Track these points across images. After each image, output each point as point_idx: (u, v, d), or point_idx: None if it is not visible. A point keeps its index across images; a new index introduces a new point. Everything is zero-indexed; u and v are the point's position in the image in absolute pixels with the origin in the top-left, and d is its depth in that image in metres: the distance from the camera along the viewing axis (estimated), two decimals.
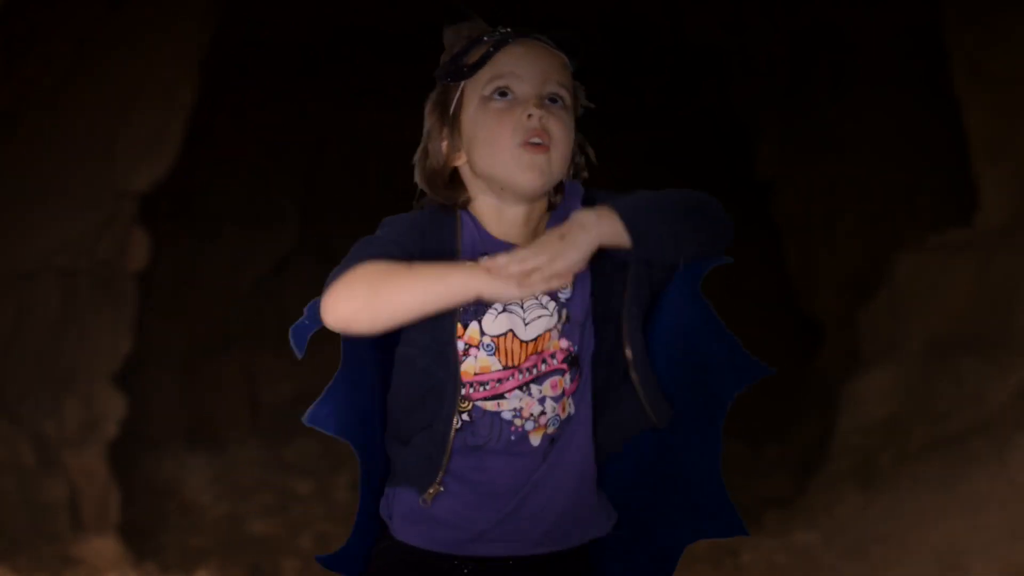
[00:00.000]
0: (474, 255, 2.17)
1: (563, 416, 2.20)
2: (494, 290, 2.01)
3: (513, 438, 2.18)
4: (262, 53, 10.41)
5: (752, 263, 12.14)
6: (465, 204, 2.23)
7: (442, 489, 2.18)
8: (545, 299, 2.18)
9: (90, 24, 7.44)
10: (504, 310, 2.17)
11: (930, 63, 9.01)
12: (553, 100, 2.18)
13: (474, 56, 2.18)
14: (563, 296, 2.19)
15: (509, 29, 2.20)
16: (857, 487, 7.55)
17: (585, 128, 2.28)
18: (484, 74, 2.18)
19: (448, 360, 2.16)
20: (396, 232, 2.19)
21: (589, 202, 2.21)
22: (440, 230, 2.20)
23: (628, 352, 2.18)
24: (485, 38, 2.20)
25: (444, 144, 2.22)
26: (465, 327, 2.17)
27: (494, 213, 2.21)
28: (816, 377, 10.47)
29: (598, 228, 2.06)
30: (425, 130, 2.25)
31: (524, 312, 2.18)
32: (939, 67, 8.63)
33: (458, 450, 2.17)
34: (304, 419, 2.21)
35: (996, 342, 7.79)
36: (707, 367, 2.21)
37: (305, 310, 2.22)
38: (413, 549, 2.21)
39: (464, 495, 2.19)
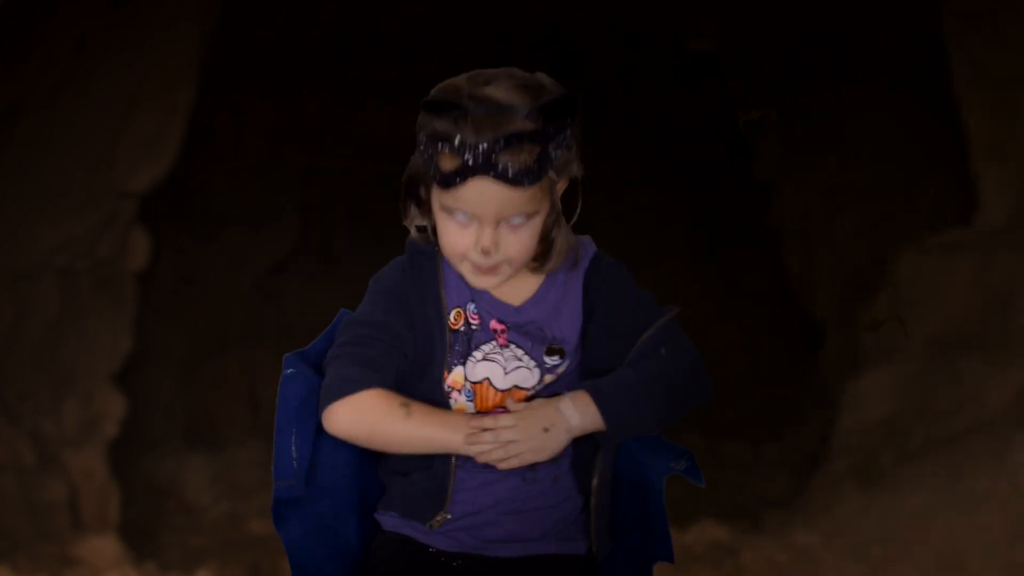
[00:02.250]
0: (462, 300, 2.20)
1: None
2: (477, 454, 2.13)
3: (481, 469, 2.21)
4: (262, 53, 10.41)
5: (752, 263, 12.15)
6: None
7: (448, 516, 2.21)
8: (527, 359, 2.21)
9: (90, 24, 7.44)
10: (484, 358, 2.20)
11: (930, 63, 9.01)
12: (516, 220, 2.16)
13: (443, 164, 2.14)
14: (550, 362, 2.21)
15: (479, 159, 2.12)
16: (857, 487, 7.55)
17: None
18: (451, 198, 2.15)
19: (438, 402, 2.19)
20: (383, 308, 2.22)
21: (595, 264, 2.25)
22: (424, 284, 2.22)
23: (594, 480, 2.21)
24: (454, 150, 2.12)
25: (424, 193, 2.23)
26: (450, 371, 2.20)
27: None
28: (816, 377, 10.47)
29: (581, 425, 2.14)
30: (406, 176, 2.25)
31: (504, 361, 2.20)
32: (939, 67, 8.63)
33: (460, 476, 2.21)
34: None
35: (996, 342, 7.79)
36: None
37: (290, 372, 2.33)
38: (407, 540, 2.23)
39: (464, 503, 2.21)
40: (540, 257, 2.22)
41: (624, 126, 11.54)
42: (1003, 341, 7.74)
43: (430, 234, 2.24)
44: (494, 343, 2.20)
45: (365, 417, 2.16)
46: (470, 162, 2.11)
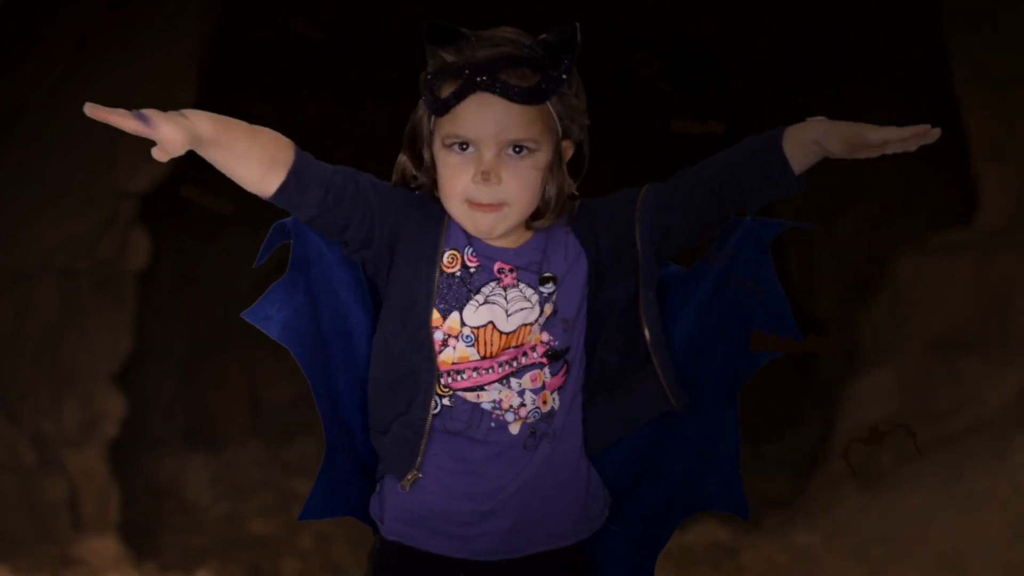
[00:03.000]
0: (459, 244, 2.19)
1: (544, 410, 2.20)
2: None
3: (493, 425, 2.19)
4: (262, 53, 10.41)
5: None
6: None
7: (420, 475, 2.18)
8: (529, 291, 2.19)
9: (90, 24, 7.44)
10: (486, 301, 2.18)
11: (930, 63, 9.01)
12: (517, 150, 2.16)
13: (445, 90, 2.17)
14: (545, 291, 2.20)
15: (481, 75, 2.15)
16: (857, 487, 7.55)
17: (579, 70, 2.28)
18: (446, 119, 2.17)
19: (422, 345, 2.17)
20: (397, 191, 2.25)
21: (581, 217, 2.23)
22: (427, 221, 2.21)
23: (647, 334, 2.20)
24: (455, 71, 2.17)
25: (427, 152, 2.24)
26: (445, 317, 2.17)
27: None
28: (816, 377, 10.47)
29: None
30: (409, 128, 2.26)
31: (507, 303, 2.18)
32: (939, 67, 8.63)
33: (437, 435, 2.18)
34: (245, 314, 2.27)
35: (996, 342, 7.79)
36: (729, 347, 2.30)
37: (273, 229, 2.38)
38: (408, 549, 2.21)
39: (445, 481, 2.19)
40: (538, 213, 2.20)
41: (624, 126, 11.54)
42: (1003, 341, 7.74)
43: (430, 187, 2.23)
44: (494, 284, 2.18)
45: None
46: (472, 78, 2.14)
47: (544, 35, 2.19)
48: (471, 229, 2.18)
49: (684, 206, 2.21)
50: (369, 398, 2.25)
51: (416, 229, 2.20)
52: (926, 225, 9.14)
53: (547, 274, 2.19)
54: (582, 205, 2.26)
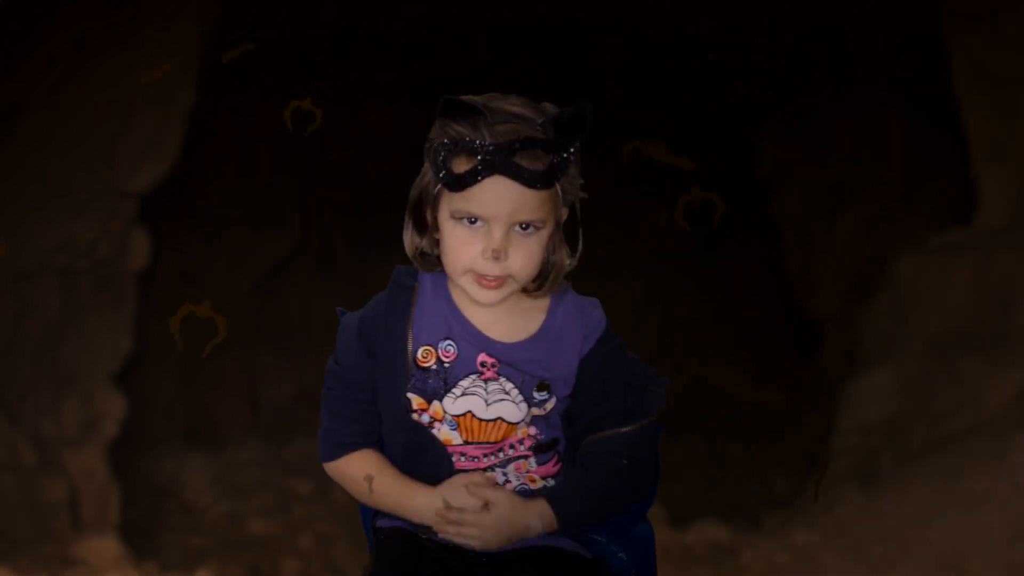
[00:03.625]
0: (435, 338, 2.24)
1: (534, 487, 2.27)
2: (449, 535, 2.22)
3: None
4: (262, 53, 10.40)
5: (752, 263, 12.14)
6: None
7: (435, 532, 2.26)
8: (510, 387, 2.24)
9: (90, 24, 7.44)
10: (464, 393, 2.23)
11: (930, 63, 9.01)
12: (524, 227, 2.19)
13: (458, 166, 2.19)
14: (539, 397, 2.24)
15: (497, 154, 2.17)
16: (857, 487, 7.55)
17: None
18: (462, 202, 2.20)
19: (415, 426, 2.25)
20: (350, 349, 2.29)
21: (608, 339, 2.28)
22: (394, 321, 2.26)
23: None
24: (470, 150, 2.18)
25: (430, 216, 2.26)
26: (428, 402, 2.24)
27: (467, 297, 2.26)
28: (816, 377, 10.47)
29: (539, 531, 2.23)
30: (411, 201, 2.28)
31: (487, 394, 2.24)
32: (939, 67, 8.63)
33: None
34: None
35: (996, 342, 7.79)
36: None
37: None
38: (409, 534, 2.27)
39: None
40: (539, 278, 2.25)
41: (624, 126, 11.53)
42: (1003, 341, 7.75)
43: (433, 257, 2.27)
44: (474, 377, 2.23)
45: (345, 483, 2.31)
46: (489, 160, 2.16)
47: (556, 113, 2.21)
48: (474, 297, 2.23)
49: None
50: (388, 450, 2.33)
51: (384, 333, 2.27)
52: (926, 225, 9.14)
53: (545, 381, 2.25)
54: (608, 338, 2.30)
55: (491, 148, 2.17)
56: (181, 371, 10.56)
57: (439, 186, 2.22)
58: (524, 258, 2.20)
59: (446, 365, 2.23)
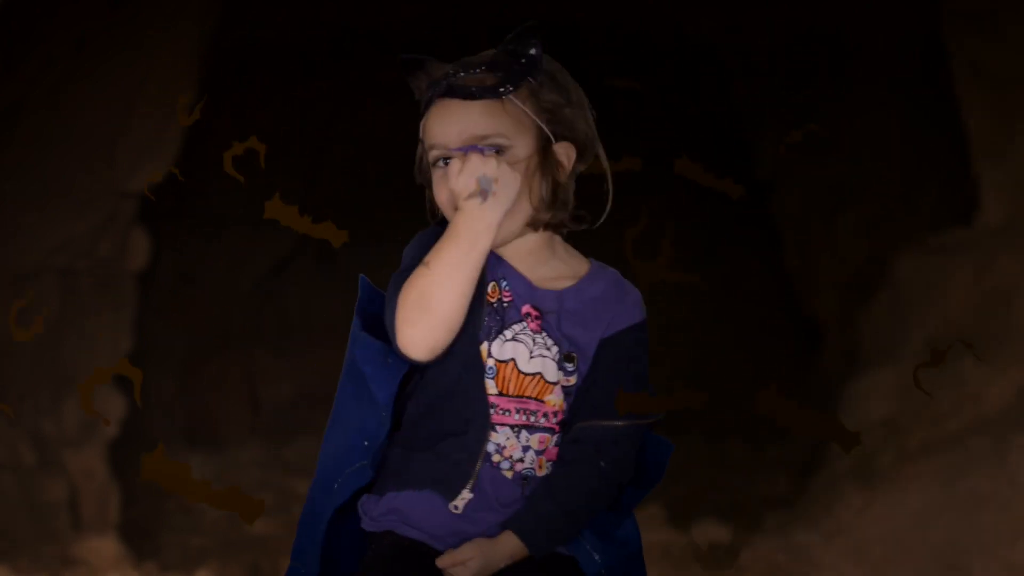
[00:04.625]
0: (494, 276, 2.20)
1: (539, 473, 2.22)
2: (506, 206, 2.14)
3: (489, 468, 2.21)
4: (262, 53, 10.41)
5: (752, 263, 12.14)
6: None
7: (471, 496, 2.19)
8: (551, 343, 2.20)
9: (90, 24, 7.44)
10: (514, 338, 2.19)
11: (930, 63, 9.01)
12: (492, 150, 2.16)
13: (421, 107, 2.23)
14: (566, 367, 2.21)
15: (442, 80, 2.18)
16: (857, 487, 7.55)
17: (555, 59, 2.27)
18: (425, 139, 2.21)
19: (474, 366, 2.18)
20: (419, 255, 2.21)
21: (640, 328, 2.27)
22: None
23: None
24: (423, 90, 2.22)
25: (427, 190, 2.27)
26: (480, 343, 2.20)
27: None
28: (816, 377, 10.47)
29: (511, 559, 2.18)
30: (416, 166, 2.28)
31: (533, 345, 2.19)
32: (939, 67, 8.63)
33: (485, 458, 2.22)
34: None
35: (996, 342, 7.78)
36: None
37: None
38: (399, 538, 2.22)
39: (437, 507, 2.22)
40: (541, 210, 2.20)
41: (624, 126, 11.53)
42: (1003, 341, 7.74)
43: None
44: (523, 324, 2.19)
45: (416, 300, 2.13)
46: (434, 88, 2.18)
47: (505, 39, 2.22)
48: None
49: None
50: (407, 417, 2.25)
51: None
52: (926, 225, 9.14)
53: (571, 352, 2.21)
54: (638, 327, 2.28)
55: (436, 79, 2.18)
56: (181, 371, 10.56)
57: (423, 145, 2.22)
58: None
59: (505, 304, 2.19)
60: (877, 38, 9.64)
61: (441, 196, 2.18)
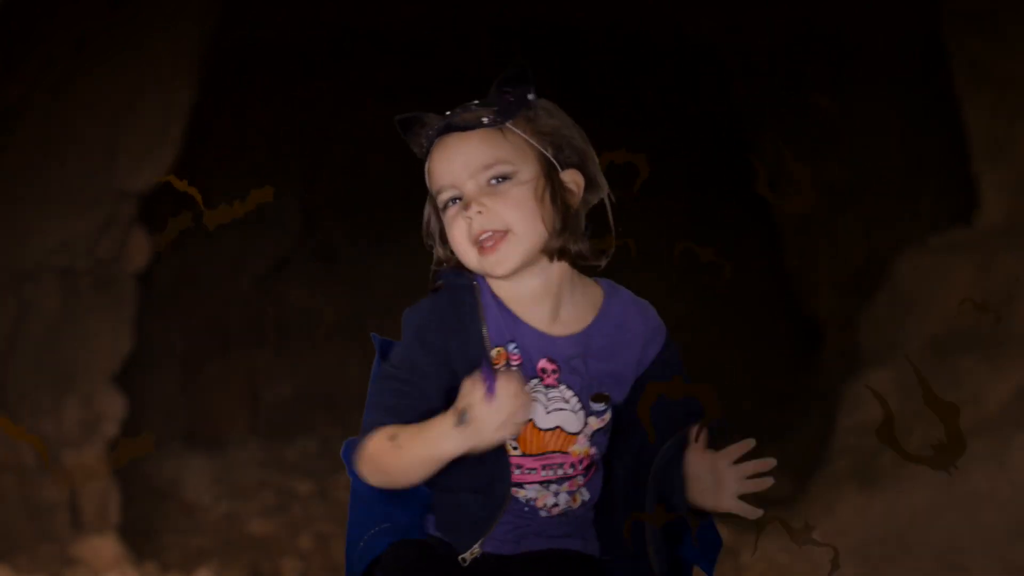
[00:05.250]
0: (502, 340, 2.18)
1: (575, 505, 2.23)
2: (477, 443, 2.07)
3: (526, 510, 2.22)
4: (262, 53, 10.41)
5: (752, 263, 12.14)
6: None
7: (480, 552, 2.20)
8: (569, 395, 2.19)
9: (90, 24, 7.44)
10: None
11: (930, 63, 9.01)
12: (498, 180, 2.16)
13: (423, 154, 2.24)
14: (596, 407, 2.21)
15: (439, 122, 2.20)
16: (857, 487, 7.55)
17: (584, 128, 2.27)
18: (432, 186, 2.22)
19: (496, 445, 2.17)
20: (416, 346, 2.18)
21: (669, 346, 2.28)
22: (462, 319, 2.19)
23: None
24: (422, 140, 2.23)
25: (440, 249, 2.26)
26: None
27: (508, 290, 2.21)
28: (816, 377, 10.47)
29: None
30: (424, 226, 2.28)
31: (547, 401, 2.19)
32: (939, 67, 8.63)
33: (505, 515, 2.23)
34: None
35: (996, 342, 7.79)
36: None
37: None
38: (421, 541, 2.24)
39: (497, 547, 2.23)
40: (555, 235, 2.19)
41: (624, 126, 11.53)
42: (1003, 341, 7.74)
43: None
44: (536, 381, 2.18)
45: (370, 466, 2.15)
46: (433, 132, 2.19)
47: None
48: (492, 273, 2.18)
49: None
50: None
51: (457, 336, 2.18)
52: (926, 225, 9.14)
53: (602, 392, 2.21)
54: (665, 338, 2.29)
55: (434, 125, 2.20)
56: (181, 371, 10.56)
57: (431, 192, 2.23)
58: (510, 204, 2.15)
59: (513, 367, 2.17)
60: (877, 38, 9.64)
61: (456, 235, 2.18)
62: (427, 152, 2.20)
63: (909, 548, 6.63)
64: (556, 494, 2.21)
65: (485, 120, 2.17)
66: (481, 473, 2.17)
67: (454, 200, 2.18)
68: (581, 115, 2.30)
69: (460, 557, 2.19)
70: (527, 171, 2.18)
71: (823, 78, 10.26)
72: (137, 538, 7.84)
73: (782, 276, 11.22)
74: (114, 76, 7.60)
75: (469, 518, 2.19)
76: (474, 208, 2.15)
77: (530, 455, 2.19)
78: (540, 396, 2.18)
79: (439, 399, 2.14)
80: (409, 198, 2.35)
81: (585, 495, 2.24)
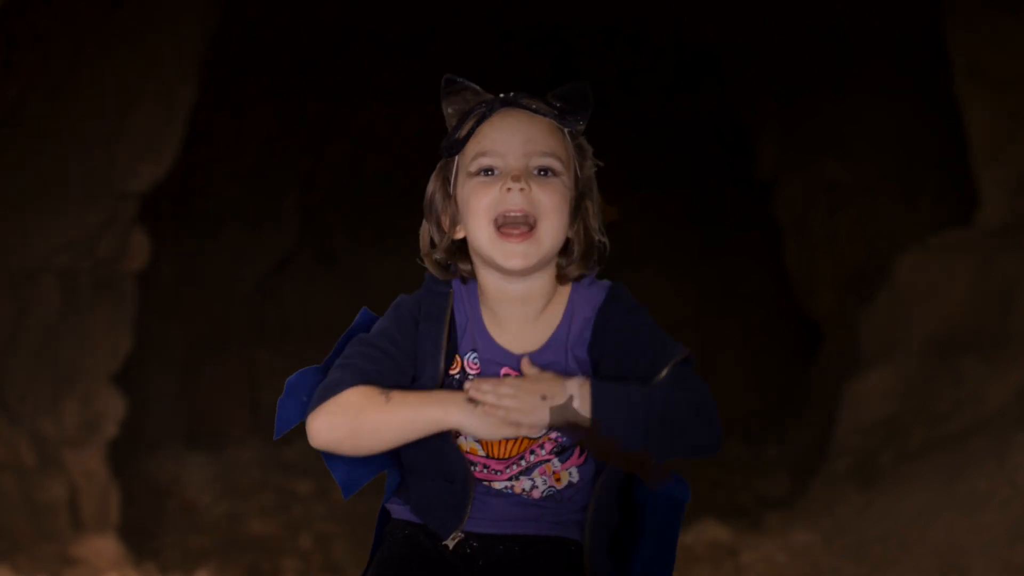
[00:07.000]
0: (465, 348, 2.21)
1: (559, 486, 2.24)
2: (469, 425, 2.10)
3: (509, 494, 2.24)
4: (262, 53, 10.41)
5: (752, 263, 12.14)
6: (468, 276, 2.24)
7: (462, 535, 2.22)
8: None
9: (90, 24, 7.44)
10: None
11: (930, 63, 9.01)
12: (543, 172, 2.17)
13: (464, 130, 2.20)
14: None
15: (503, 95, 2.20)
16: (857, 487, 7.55)
17: (586, 129, 2.28)
18: (470, 149, 2.19)
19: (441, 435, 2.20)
20: (395, 323, 2.22)
21: (613, 300, 2.24)
22: (433, 308, 2.23)
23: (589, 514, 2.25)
24: (475, 110, 2.20)
25: (445, 217, 2.25)
26: None
27: (495, 289, 2.22)
28: (816, 377, 10.48)
29: (575, 410, 2.09)
30: (427, 198, 2.27)
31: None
32: (939, 67, 8.63)
33: (476, 499, 2.24)
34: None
35: (996, 342, 7.79)
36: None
37: (287, 386, 2.29)
38: (416, 524, 2.26)
39: (480, 528, 2.25)
40: (574, 252, 2.21)
41: (624, 126, 11.54)
42: (1003, 341, 7.74)
43: (454, 266, 2.25)
44: None
45: (346, 413, 2.14)
46: (495, 101, 2.18)
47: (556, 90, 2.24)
48: (500, 261, 2.17)
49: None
50: (405, 456, 2.27)
51: (425, 331, 2.22)
52: (926, 225, 9.14)
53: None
54: (617, 289, 2.27)
55: (496, 96, 2.20)
56: (181, 371, 10.56)
57: (455, 166, 2.20)
58: (548, 198, 2.16)
59: (470, 376, 2.20)
60: (877, 38, 9.64)
61: (481, 203, 2.17)
62: (481, 117, 2.18)
63: (909, 548, 6.63)
64: (532, 482, 2.22)
65: (556, 113, 2.18)
66: (442, 462, 2.20)
67: (489, 171, 2.17)
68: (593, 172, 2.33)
69: (444, 543, 2.21)
70: (568, 179, 2.20)
71: (823, 78, 10.26)
72: (137, 538, 7.85)
73: (782, 276, 11.22)
74: (114, 76, 7.60)
75: (443, 504, 2.21)
76: (521, 183, 2.14)
77: (495, 458, 2.21)
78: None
79: (407, 378, 2.17)
80: (409, 198, 2.34)
81: (574, 476, 2.23)
